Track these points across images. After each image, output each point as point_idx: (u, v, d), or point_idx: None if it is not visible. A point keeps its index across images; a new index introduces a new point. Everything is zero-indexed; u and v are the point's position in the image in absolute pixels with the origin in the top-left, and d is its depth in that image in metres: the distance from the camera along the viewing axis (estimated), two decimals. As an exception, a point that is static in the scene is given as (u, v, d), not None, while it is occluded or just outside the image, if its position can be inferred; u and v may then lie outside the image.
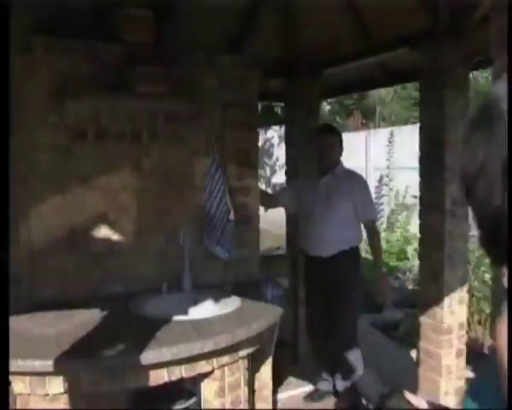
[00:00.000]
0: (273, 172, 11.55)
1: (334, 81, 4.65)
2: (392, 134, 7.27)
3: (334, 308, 3.34)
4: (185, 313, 2.69)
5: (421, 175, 3.28)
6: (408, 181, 6.75)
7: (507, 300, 0.57)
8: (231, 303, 2.76)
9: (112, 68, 2.81)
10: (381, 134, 8.65)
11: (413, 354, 3.85)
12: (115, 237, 2.94)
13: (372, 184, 7.93)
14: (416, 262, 4.15)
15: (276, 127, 11.60)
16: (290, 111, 4.55)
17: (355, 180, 3.48)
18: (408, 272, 6.14)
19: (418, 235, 3.44)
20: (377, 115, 14.06)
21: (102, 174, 2.88)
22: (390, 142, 7.26)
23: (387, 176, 7.27)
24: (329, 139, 3.45)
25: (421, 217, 3.36)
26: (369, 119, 15.77)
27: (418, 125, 3.32)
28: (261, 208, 3.54)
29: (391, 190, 7.36)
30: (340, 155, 3.51)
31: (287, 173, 4.64)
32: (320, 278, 3.41)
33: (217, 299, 2.87)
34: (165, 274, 2.97)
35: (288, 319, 4.29)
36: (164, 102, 2.94)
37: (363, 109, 15.19)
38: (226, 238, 3.08)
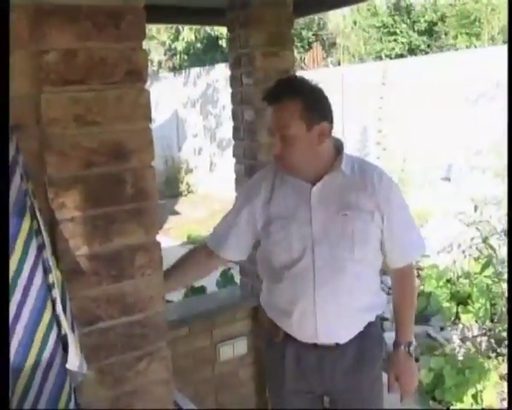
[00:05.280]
0: (219, 123, 9.26)
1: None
2: (385, 72, 5.18)
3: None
4: None
5: None
6: (407, 143, 4.76)
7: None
8: None
9: None
10: (361, 71, 6.56)
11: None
12: None
13: (353, 146, 5.85)
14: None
15: (222, 65, 9.30)
16: (237, 39, 2.43)
17: (379, 182, 1.60)
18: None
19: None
20: (341, 49, 11.92)
21: None
22: (383, 83, 5.19)
23: (380, 131, 5.15)
24: (300, 115, 1.50)
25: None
26: (329, 53, 13.68)
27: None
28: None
29: (384, 150, 5.18)
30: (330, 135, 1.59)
31: (235, 154, 2.58)
32: (317, 380, 1.71)
33: None
34: None
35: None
36: None
37: (322, 42, 13.01)
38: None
